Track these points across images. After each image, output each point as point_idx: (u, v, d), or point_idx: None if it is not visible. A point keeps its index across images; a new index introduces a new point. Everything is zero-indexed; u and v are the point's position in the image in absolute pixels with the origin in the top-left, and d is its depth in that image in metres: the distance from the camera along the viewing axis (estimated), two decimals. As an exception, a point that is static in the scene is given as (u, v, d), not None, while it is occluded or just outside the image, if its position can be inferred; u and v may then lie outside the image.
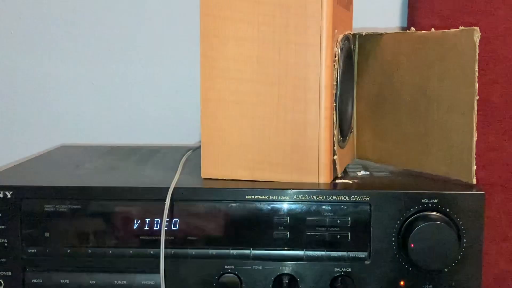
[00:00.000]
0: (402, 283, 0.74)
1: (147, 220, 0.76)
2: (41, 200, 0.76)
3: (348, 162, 0.88)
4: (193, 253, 0.75)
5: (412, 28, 0.82)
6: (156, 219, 0.76)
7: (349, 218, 0.74)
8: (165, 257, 0.73)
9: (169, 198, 0.73)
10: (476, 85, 0.73)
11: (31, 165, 0.93)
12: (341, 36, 0.79)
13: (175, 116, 1.20)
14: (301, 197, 0.74)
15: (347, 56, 0.83)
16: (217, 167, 0.80)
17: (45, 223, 0.76)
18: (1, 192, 0.75)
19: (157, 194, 0.75)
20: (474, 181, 0.74)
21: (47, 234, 0.76)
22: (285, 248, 0.75)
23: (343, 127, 0.82)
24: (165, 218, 0.73)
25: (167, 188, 0.74)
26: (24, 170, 0.90)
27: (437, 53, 0.77)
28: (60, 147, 1.13)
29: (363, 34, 0.85)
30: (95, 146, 1.11)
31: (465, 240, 0.73)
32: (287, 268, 0.75)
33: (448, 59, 0.76)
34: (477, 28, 0.72)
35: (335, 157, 0.78)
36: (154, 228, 0.76)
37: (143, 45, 1.19)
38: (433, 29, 0.79)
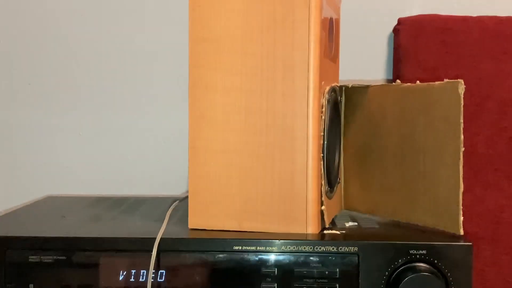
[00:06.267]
0: (391, 335, 0.73)
1: (133, 271, 0.75)
2: (26, 250, 0.75)
3: (336, 213, 0.88)
4: (180, 305, 0.74)
5: (398, 81, 0.83)
6: (142, 271, 0.75)
7: (338, 269, 0.74)
8: (151, 309, 0.72)
9: (156, 248, 0.73)
10: (462, 136, 0.73)
11: (16, 216, 0.92)
12: (328, 88, 0.80)
13: (161, 166, 1.20)
14: (289, 247, 0.74)
15: (334, 107, 0.83)
16: (204, 217, 0.79)
17: (30, 274, 0.75)
18: (-15, 242, 0.74)
19: (144, 245, 0.74)
20: (462, 232, 0.74)
21: (31, 286, 0.75)
22: (273, 300, 0.74)
23: (330, 177, 0.82)
24: (151, 270, 0.72)
25: (154, 239, 0.73)
26: (9, 220, 0.89)
27: (422, 105, 0.78)
28: (46, 198, 1.12)
29: (350, 86, 0.86)
30: (81, 197, 1.10)
31: (453, 292, 0.73)
32: (275, 320, 0.74)
33: (433, 110, 0.77)
34: (462, 81, 0.73)
35: (323, 207, 0.78)
36: (140, 279, 0.75)
37: (130, 95, 1.20)
38: (418, 81, 0.80)
